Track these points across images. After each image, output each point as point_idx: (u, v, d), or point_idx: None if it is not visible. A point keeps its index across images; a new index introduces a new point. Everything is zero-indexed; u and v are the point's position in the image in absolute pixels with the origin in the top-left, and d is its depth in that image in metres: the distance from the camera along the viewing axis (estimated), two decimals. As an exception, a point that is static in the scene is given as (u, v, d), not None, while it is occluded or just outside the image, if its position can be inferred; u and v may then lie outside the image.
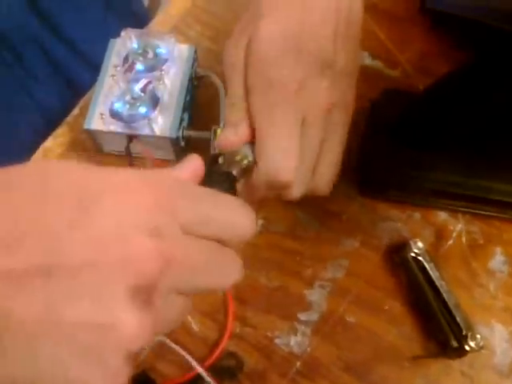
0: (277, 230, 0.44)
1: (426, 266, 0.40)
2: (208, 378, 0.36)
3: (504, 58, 0.35)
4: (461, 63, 0.50)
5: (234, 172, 0.33)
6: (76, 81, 0.62)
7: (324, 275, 0.42)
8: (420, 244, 0.40)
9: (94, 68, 0.50)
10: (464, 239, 0.44)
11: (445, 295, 0.39)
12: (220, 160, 0.41)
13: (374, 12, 0.54)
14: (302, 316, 0.41)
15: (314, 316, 0.41)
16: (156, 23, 0.55)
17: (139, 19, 0.69)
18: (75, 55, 0.62)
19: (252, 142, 0.34)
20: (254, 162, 0.34)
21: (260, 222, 0.44)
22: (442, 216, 0.44)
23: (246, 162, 0.34)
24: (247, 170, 0.34)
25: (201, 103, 0.49)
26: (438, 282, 0.39)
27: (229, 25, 0.54)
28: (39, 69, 0.59)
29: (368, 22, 0.54)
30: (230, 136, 0.33)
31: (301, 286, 0.42)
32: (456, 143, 0.41)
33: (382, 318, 0.41)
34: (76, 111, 0.50)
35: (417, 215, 0.45)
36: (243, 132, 0.33)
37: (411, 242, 0.40)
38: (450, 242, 0.43)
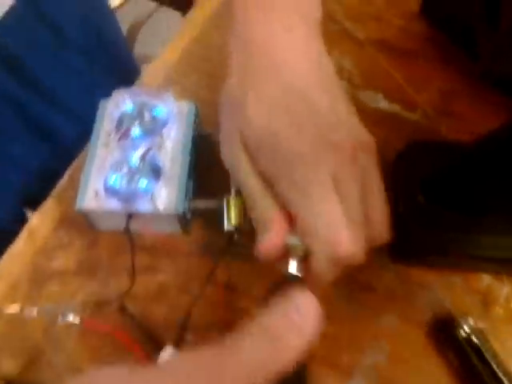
0: (304, 310, 0.39)
1: (480, 346, 0.35)
2: None
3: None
4: (487, 102, 0.46)
5: (295, 270, 0.29)
6: (55, 135, 0.57)
7: (363, 362, 0.37)
8: (471, 321, 0.36)
9: (75, 120, 0.44)
10: (512, 304, 0.39)
11: (505, 380, 0.34)
12: (236, 237, 0.37)
13: (385, 49, 0.50)
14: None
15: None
16: (147, 74, 0.50)
17: (127, 69, 0.64)
18: (53, 107, 0.56)
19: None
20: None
21: (284, 300, 0.39)
22: (486, 280, 0.40)
23: (300, 252, 0.30)
24: (305, 259, 0.30)
25: (205, 164, 0.44)
26: (495, 365, 0.35)
27: (228, 72, 0.49)
28: (12, 122, 0.53)
29: (379, 61, 0.49)
30: (271, 239, 0.29)
31: (338, 378, 0.37)
32: (504, 205, 0.36)
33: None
34: (64, 182, 0.44)
35: (457, 280, 0.40)
36: (281, 227, 0.29)
37: (460, 320, 0.36)
38: (497, 308, 0.39)
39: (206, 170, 0.43)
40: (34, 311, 0.34)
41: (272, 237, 0.29)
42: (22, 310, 0.34)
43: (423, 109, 0.47)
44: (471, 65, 0.46)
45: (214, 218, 0.42)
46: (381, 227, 0.32)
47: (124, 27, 1.38)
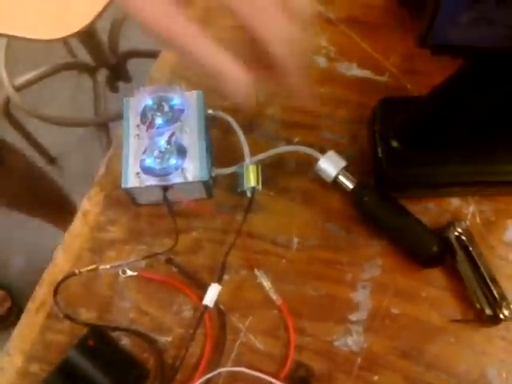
0: (313, 245, 0.48)
1: (468, 244, 0.45)
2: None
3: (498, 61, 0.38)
4: (442, 60, 0.55)
5: None
6: None
7: (363, 276, 0.47)
8: (464, 225, 0.46)
9: None
10: (478, 219, 0.49)
11: (483, 271, 0.44)
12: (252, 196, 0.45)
13: (354, 25, 0.58)
14: (353, 317, 0.45)
15: (363, 315, 0.45)
16: (155, 70, 0.59)
17: None
18: None
19: None
20: None
21: (296, 240, 0.49)
22: (455, 202, 0.49)
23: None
24: None
25: (214, 139, 0.53)
26: (477, 258, 0.45)
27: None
28: None
29: (350, 36, 0.58)
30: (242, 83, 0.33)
31: (345, 290, 0.47)
32: (459, 138, 0.45)
33: (422, 304, 0.46)
34: (102, 171, 0.53)
35: (431, 206, 0.49)
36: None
37: (455, 223, 0.46)
38: (467, 223, 0.48)
39: (215, 143, 0.53)
40: (107, 267, 0.44)
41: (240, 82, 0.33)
42: (97, 268, 0.44)
43: (391, 71, 0.56)
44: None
45: (230, 184, 0.51)
46: None
47: (106, 26, 1.46)
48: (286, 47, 0.34)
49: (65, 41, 1.57)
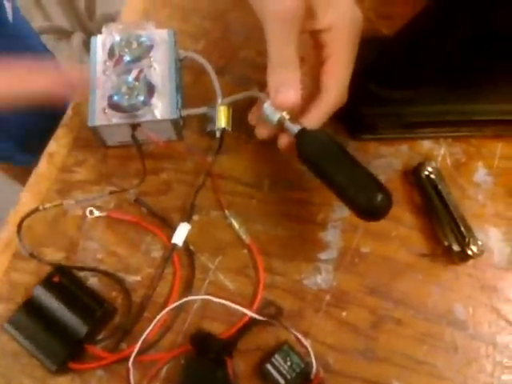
0: (283, 186, 0.48)
1: (437, 183, 0.45)
2: (262, 318, 0.42)
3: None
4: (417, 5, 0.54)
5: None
6: None
7: (334, 216, 0.47)
8: (433, 164, 0.46)
9: None
10: (448, 161, 0.49)
11: (452, 209, 0.44)
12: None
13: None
14: (323, 256, 0.45)
15: (333, 254, 0.45)
16: (124, 15, 0.57)
17: None
18: None
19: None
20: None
21: (267, 181, 0.48)
22: (426, 144, 0.49)
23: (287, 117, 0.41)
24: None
25: (185, 83, 0.52)
26: (446, 197, 0.45)
27: (196, 3, 0.56)
28: None
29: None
30: (293, 97, 0.38)
31: (315, 230, 0.46)
32: (431, 77, 0.45)
33: (391, 243, 0.46)
34: (69, 112, 0.52)
35: (404, 148, 0.49)
36: (299, 93, 0.38)
37: (426, 162, 0.46)
38: (437, 164, 0.48)
39: (188, 86, 0.52)
40: (72, 202, 0.43)
41: (292, 95, 0.38)
42: (61, 203, 0.42)
43: (366, 15, 0.55)
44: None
45: (201, 126, 0.50)
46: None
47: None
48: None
49: (41, 6, 1.53)
